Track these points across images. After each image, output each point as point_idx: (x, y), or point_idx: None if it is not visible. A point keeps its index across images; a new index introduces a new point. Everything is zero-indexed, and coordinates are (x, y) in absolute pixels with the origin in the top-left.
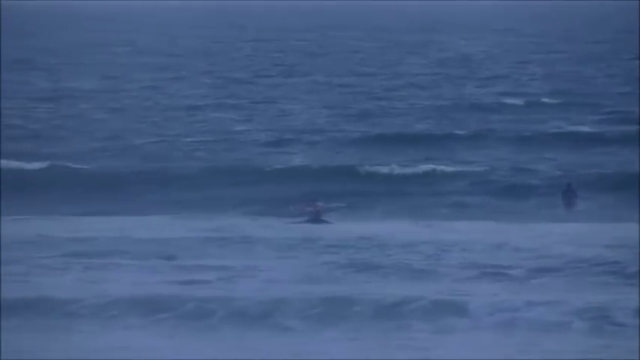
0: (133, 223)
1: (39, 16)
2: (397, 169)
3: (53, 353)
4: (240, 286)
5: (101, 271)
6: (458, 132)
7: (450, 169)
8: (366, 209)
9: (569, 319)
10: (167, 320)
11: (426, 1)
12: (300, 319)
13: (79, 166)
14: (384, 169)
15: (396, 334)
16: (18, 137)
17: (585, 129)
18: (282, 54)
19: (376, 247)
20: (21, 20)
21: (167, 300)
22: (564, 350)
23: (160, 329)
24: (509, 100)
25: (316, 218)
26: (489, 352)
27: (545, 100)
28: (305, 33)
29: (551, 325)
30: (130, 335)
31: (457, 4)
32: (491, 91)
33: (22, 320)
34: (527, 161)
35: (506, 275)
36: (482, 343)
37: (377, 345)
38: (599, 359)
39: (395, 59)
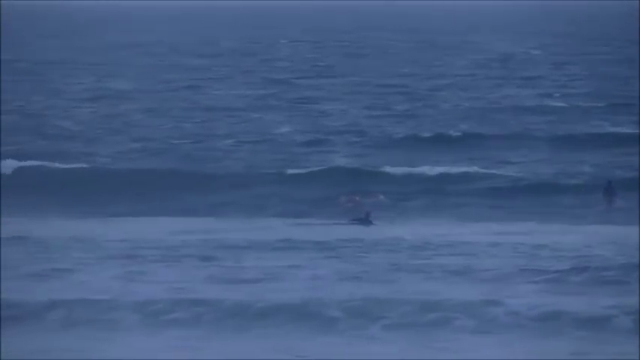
0: (173, 225)
1: (75, 17)
2: (438, 170)
3: (92, 353)
4: (282, 286)
5: (141, 272)
6: (498, 133)
7: (490, 170)
8: (407, 210)
9: (608, 320)
10: (207, 320)
11: (463, 2)
12: (341, 319)
13: (117, 167)
14: (425, 170)
15: (436, 335)
16: (57, 137)
17: (625, 130)
18: (321, 55)
19: (417, 247)
20: (55, 20)
21: (206, 301)
22: (603, 351)
23: (200, 329)
24: (548, 101)
25: (362, 219)
26: (528, 352)
27: (585, 100)
28: (344, 34)
29: (589, 325)
30: (172, 335)
31: (491, 4)
32: (530, 92)
33: (63, 320)
34: (568, 162)
35: (547, 276)
36: (522, 344)
37: (417, 345)
38: (598, 359)
39: (433, 60)
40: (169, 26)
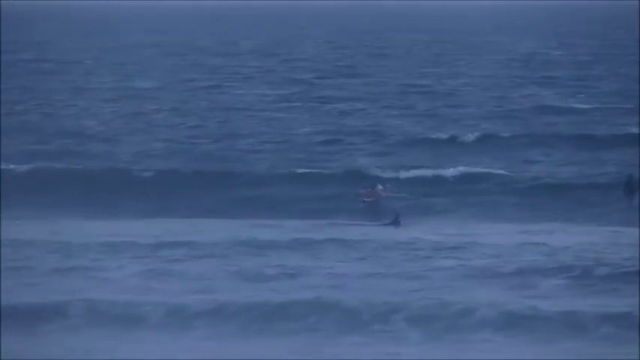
0: (195, 226)
1: (82, 17)
2: (460, 170)
3: (114, 353)
4: (308, 286)
5: (163, 271)
6: (520, 133)
7: (513, 170)
8: (432, 211)
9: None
10: (229, 319)
11: (481, 2)
12: (375, 323)
13: (138, 169)
14: (448, 170)
15: (467, 336)
16: (79, 138)
17: None
18: (343, 55)
19: (446, 248)
20: (64, 21)
21: (230, 299)
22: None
23: (222, 328)
24: (571, 101)
25: (393, 222)
26: (550, 351)
27: (608, 101)
28: (365, 34)
29: (614, 323)
30: (194, 334)
31: (508, 4)
32: (552, 93)
33: (88, 319)
34: (591, 162)
35: (573, 276)
36: (544, 343)
37: (440, 345)
38: (598, 359)
39: (455, 60)
40: (185, 26)
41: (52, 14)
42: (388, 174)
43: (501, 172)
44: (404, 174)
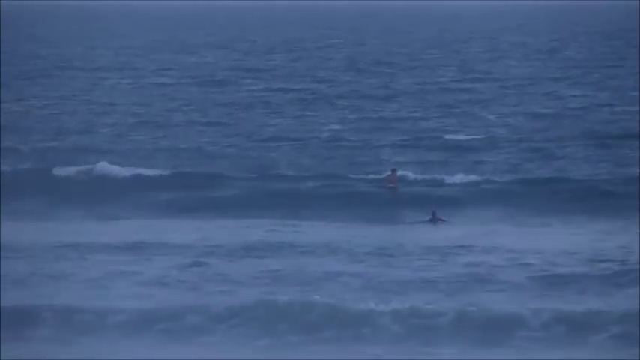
0: (219, 226)
1: (84, 18)
2: (489, 171)
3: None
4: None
5: (189, 273)
6: (546, 133)
7: (541, 170)
8: (465, 213)
9: None
10: (253, 323)
11: (487, 2)
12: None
13: (155, 168)
14: (475, 172)
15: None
16: (98, 136)
17: None
18: (359, 53)
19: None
20: (67, 21)
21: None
22: None
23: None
24: (594, 100)
25: (430, 220)
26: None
27: (631, 100)
28: (380, 34)
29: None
30: (228, 335)
31: (515, 4)
32: (574, 92)
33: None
34: (614, 160)
35: (607, 279)
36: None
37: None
38: (597, 359)
39: (475, 60)
40: (193, 25)
41: (52, 14)
42: (408, 171)
43: (525, 170)
44: (422, 171)
